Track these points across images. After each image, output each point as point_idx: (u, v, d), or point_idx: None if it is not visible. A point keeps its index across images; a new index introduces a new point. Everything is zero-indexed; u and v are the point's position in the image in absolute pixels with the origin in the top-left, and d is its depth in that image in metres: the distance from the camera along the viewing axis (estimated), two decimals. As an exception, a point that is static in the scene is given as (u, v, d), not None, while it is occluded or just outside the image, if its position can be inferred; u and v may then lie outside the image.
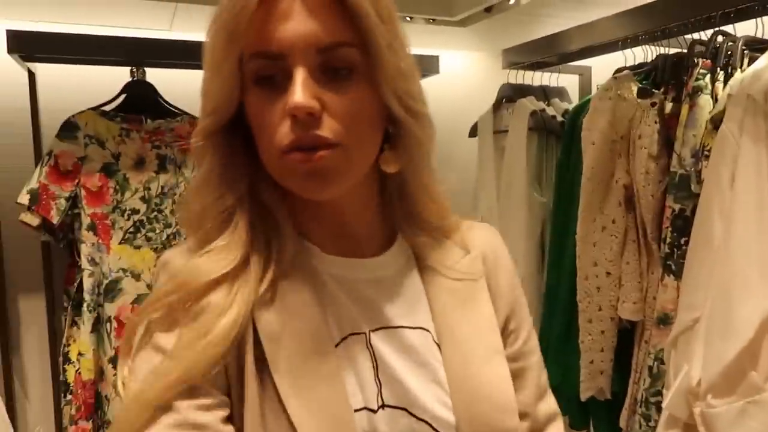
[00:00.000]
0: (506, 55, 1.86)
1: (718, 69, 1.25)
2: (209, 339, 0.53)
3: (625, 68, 1.44)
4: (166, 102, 1.69)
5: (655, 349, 1.23)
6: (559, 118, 1.71)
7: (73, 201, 1.56)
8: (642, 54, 1.51)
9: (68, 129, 1.56)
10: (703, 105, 1.24)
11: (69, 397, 1.56)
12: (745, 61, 1.24)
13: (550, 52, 1.72)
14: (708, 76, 1.26)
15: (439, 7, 1.74)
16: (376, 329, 0.61)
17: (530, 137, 1.69)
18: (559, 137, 1.67)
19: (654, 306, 1.25)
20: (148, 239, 1.62)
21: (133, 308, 1.59)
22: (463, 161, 1.97)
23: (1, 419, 1.40)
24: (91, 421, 1.55)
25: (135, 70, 1.65)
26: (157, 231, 1.63)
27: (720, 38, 1.28)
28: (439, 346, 0.61)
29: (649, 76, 1.42)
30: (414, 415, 0.58)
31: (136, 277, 1.60)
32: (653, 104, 1.34)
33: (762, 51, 1.18)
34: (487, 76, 2.10)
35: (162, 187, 1.64)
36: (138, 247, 1.61)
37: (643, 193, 1.31)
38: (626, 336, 1.37)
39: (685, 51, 1.34)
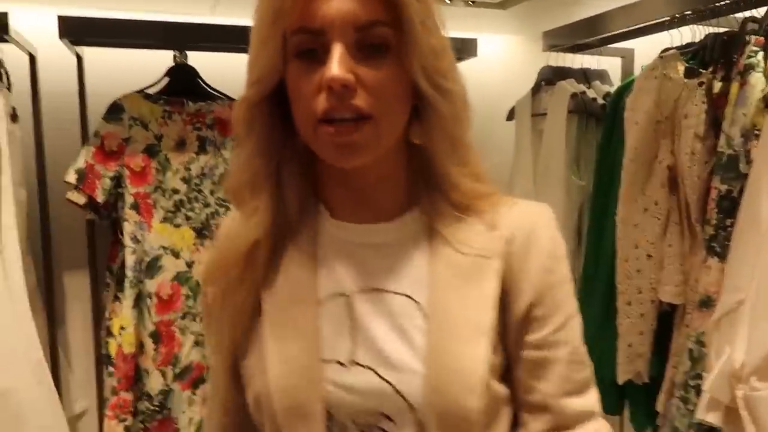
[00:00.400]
0: (546, 37, 1.83)
1: (771, 46, 1.21)
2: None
3: (671, 48, 1.40)
4: (207, 85, 1.72)
5: (696, 333, 1.20)
6: (600, 101, 1.67)
7: (117, 180, 1.60)
8: (689, 34, 1.46)
9: (114, 111, 1.60)
10: (755, 83, 1.20)
11: (110, 369, 1.61)
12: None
13: (592, 34, 1.68)
14: (761, 54, 1.22)
15: (479, -11, 1.72)
16: (363, 291, 0.64)
17: (570, 120, 1.66)
18: (599, 120, 1.64)
19: (696, 289, 1.22)
20: (188, 218, 1.66)
21: (172, 285, 1.63)
22: (501, 145, 1.95)
23: (48, 389, 1.46)
24: (131, 393, 1.59)
25: (177, 54, 1.69)
26: (197, 210, 1.67)
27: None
28: (427, 315, 0.62)
29: (697, 56, 1.37)
30: (380, 376, 0.61)
31: (176, 255, 1.64)
32: (701, 84, 1.30)
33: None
34: (527, 59, 2.07)
35: (202, 168, 1.67)
36: (178, 226, 1.65)
37: (688, 173, 1.27)
38: (665, 319, 1.34)
39: (736, 30, 1.29)
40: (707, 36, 1.37)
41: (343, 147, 0.59)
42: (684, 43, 1.44)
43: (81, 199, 1.59)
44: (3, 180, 1.42)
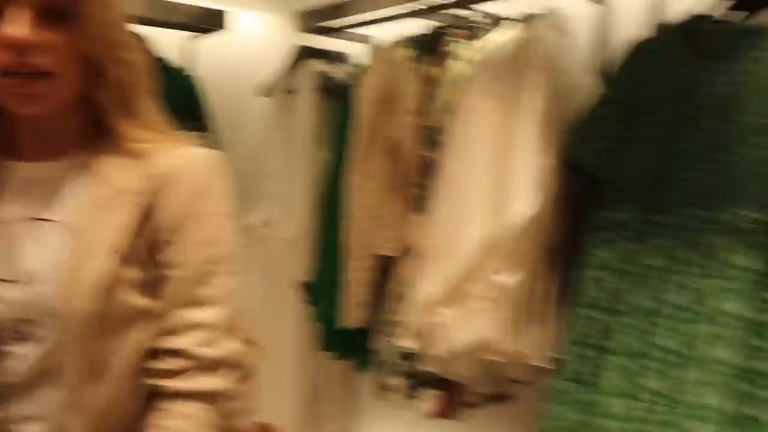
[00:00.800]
0: (299, 17, 1.93)
1: (471, 39, 1.45)
2: None
3: (402, 37, 1.60)
4: None
5: (404, 277, 1.40)
6: (344, 81, 1.82)
7: None
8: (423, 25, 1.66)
9: None
10: (452, 68, 1.43)
11: None
12: (490, 34, 1.44)
13: (341, 18, 1.82)
14: (462, 43, 1.45)
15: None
16: (22, 219, 0.75)
17: (316, 97, 1.79)
18: (341, 98, 1.78)
19: (407, 241, 1.42)
20: None
21: None
22: (253, 120, 2.01)
23: None
24: None
25: None
26: None
27: (478, 15, 1.48)
28: (71, 238, 0.73)
29: (418, 45, 1.58)
30: (26, 289, 0.72)
31: None
32: (417, 68, 1.50)
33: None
34: (281, 38, 2.15)
35: None
36: None
37: (404, 145, 1.47)
38: (383, 270, 1.53)
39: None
40: (429, 28, 1.58)
41: (22, 97, 0.71)
42: (416, 34, 1.65)
43: None
44: None
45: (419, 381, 1.42)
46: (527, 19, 1.33)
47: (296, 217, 1.77)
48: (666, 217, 1.13)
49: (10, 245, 0.74)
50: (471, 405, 1.43)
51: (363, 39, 2.04)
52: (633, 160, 1.20)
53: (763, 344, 1.01)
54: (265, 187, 1.87)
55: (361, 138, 1.51)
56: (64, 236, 0.74)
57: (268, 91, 1.97)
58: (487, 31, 1.43)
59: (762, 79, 1.07)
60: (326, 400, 1.88)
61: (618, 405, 1.13)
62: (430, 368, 1.32)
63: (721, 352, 1.03)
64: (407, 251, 1.41)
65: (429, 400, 1.42)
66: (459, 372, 1.30)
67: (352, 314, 1.49)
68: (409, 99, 1.47)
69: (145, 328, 0.74)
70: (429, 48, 1.55)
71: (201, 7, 1.70)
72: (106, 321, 0.71)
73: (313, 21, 1.89)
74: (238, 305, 0.80)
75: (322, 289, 1.59)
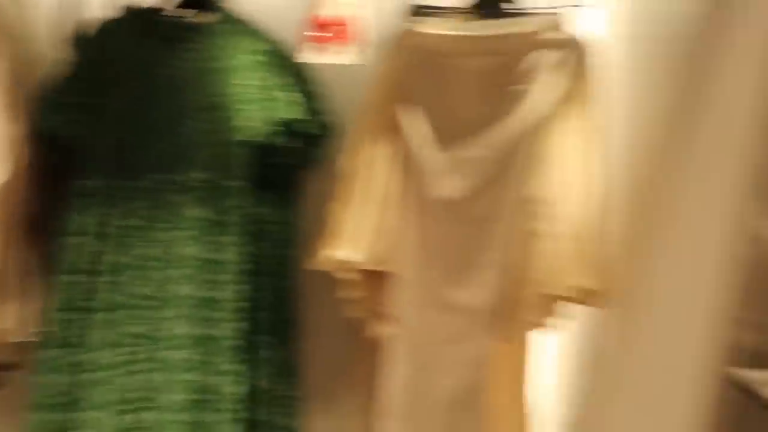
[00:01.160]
0: None
1: None
2: None
3: None
4: None
5: None
6: None
7: None
8: None
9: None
10: None
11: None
12: None
13: None
14: None
15: None
16: None
17: None
18: None
19: None
20: None
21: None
22: None
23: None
24: None
25: None
26: None
27: None
28: None
29: None
30: None
31: None
32: None
33: None
34: None
35: None
36: None
37: None
38: None
39: None
40: None
41: None
42: None
43: None
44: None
45: None
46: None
47: None
48: (136, 181, 1.28)
49: None
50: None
51: None
52: (104, 131, 1.29)
53: (216, 277, 1.26)
54: None
55: None
56: None
57: None
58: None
59: (202, 66, 1.32)
60: None
61: (104, 356, 1.23)
62: None
63: (186, 289, 1.24)
64: None
65: None
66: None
67: None
68: None
69: None
70: None
71: None
72: None
73: None
74: None
75: None
